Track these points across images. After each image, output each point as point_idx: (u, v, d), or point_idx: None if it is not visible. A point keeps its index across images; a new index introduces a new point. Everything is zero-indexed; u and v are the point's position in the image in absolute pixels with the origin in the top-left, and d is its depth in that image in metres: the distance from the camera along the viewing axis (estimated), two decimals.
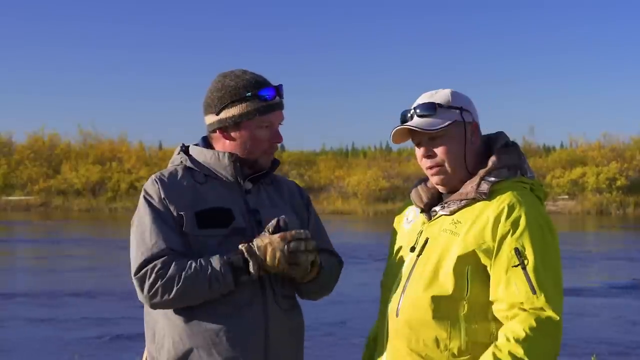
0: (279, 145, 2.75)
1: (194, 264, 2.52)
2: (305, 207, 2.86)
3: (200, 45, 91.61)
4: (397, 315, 2.45)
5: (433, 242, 2.44)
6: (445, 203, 2.47)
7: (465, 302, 2.34)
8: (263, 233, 2.57)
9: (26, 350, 9.82)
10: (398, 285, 2.49)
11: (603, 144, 50.34)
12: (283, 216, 2.60)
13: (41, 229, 32.39)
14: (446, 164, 2.47)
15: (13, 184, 50.69)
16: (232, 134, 2.69)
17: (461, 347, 2.34)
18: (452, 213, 2.44)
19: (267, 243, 2.53)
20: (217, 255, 2.53)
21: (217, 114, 2.69)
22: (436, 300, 2.36)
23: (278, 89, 2.70)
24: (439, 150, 2.47)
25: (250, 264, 2.52)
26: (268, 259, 2.52)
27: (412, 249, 2.49)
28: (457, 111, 2.47)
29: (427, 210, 2.52)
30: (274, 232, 2.56)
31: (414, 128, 2.46)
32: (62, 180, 50.25)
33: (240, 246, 2.54)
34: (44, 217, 40.53)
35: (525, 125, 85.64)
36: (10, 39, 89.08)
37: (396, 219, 2.71)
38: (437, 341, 2.36)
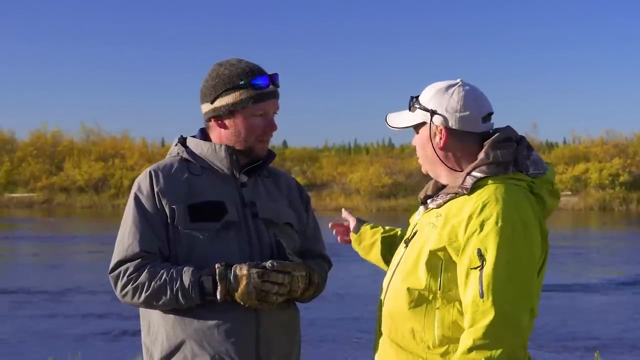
0: (273, 133, 2.73)
1: (165, 275, 2.55)
2: (304, 206, 2.86)
3: (203, 42, 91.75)
4: (382, 305, 2.49)
5: (419, 235, 2.46)
6: (436, 196, 2.47)
7: (438, 295, 2.33)
8: (246, 264, 2.55)
9: (29, 346, 9.84)
10: (388, 276, 2.52)
11: (606, 140, 50.30)
12: (271, 261, 2.58)
13: (44, 225, 32.44)
14: (420, 159, 2.52)
15: (16, 180, 50.74)
16: (226, 122, 2.69)
17: (435, 340, 2.33)
18: (439, 206, 2.43)
19: (244, 275, 2.52)
20: (191, 270, 2.54)
21: (212, 103, 2.69)
22: (411, 292, 2.37)
23: (272, 78, 2.69)
24: (416, 146, 2.54)
25: (218, 289, 2.53)
26: (239, 291, 2.52)
27: (406, 241, 2.51)
28: (427, 113, 2.45)
29: (425, 202, 2.54)
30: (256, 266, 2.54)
31: (387, 123, 2.55)
32: (65, 177, 50.29)
33: (216, 265, 2.54)
34: (47, 214, 40.59)
35: (528, 121, 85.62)
36: (12, 37, 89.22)
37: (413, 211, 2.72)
38: (413, 332, 2.37)
